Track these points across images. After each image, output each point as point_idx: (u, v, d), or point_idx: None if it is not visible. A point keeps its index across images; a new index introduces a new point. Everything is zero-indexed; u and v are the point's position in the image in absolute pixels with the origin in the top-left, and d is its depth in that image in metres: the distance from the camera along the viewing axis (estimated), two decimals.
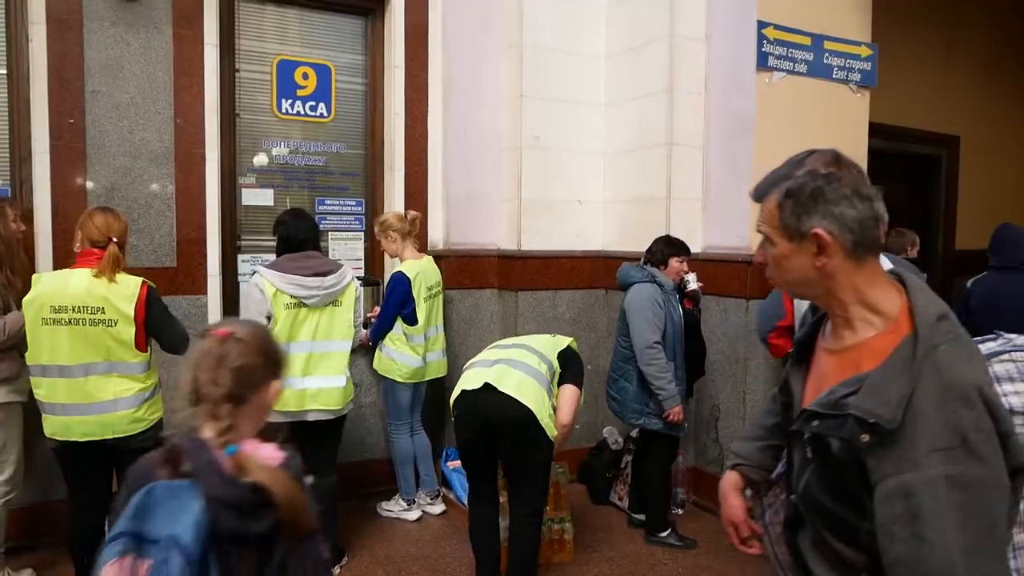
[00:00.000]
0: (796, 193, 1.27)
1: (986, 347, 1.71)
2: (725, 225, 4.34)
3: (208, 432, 1.38)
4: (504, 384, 2.86)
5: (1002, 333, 1.76)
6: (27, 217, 3.71)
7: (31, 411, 3.07)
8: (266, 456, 1.40)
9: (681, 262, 3.89)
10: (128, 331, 2.87)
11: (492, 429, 2.89)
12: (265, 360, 1.50)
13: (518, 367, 2.93)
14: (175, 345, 3.00)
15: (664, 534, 3.96)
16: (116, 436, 2.89)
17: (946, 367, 1.14)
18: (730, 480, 1.74)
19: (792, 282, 1.35)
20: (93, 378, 2.86)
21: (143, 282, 2.93)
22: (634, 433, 4.45)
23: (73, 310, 2.80)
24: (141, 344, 2.93)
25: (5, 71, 3.75)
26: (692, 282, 3.98)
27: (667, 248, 3.91)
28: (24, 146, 3.75)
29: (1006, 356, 1.63)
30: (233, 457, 1.34)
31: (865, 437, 1.17)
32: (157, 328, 2.95)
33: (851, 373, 1.25)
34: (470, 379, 2.93)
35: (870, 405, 1.16)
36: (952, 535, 1.09)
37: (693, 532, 4.06)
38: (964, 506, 1.09)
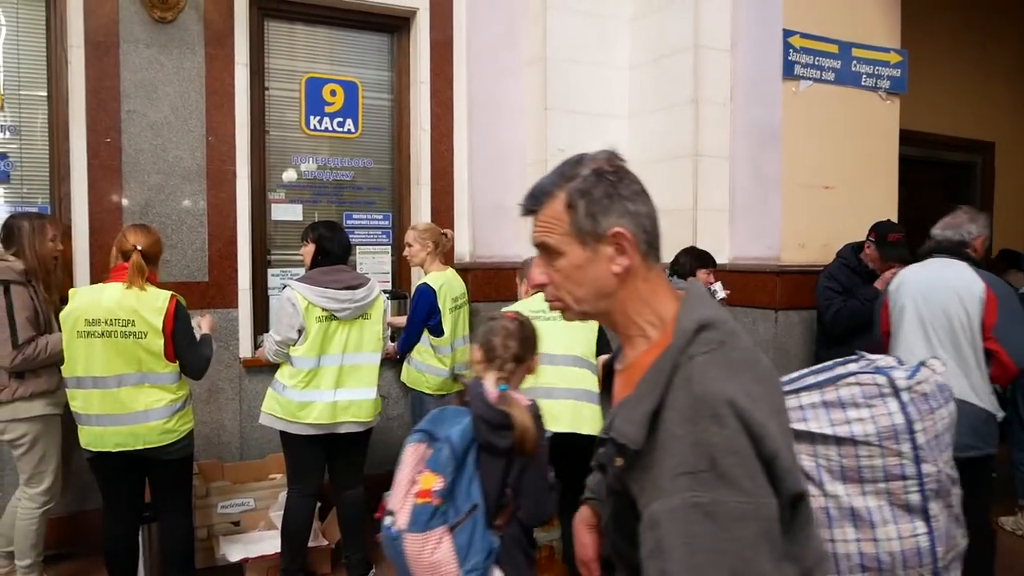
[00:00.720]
0: (589, 192, 1.13)
1: (837, 370, 1.56)
2: (753, 236, 4.30)
3: (488, 380, 2.10)
4: (584, 427, 3.05)
5: (865, 354, 1.62)
6: (66, 234, 3.83)
7: (68, 423, 3.15)
8: (519, 399, 2.06)
9: (708, 274, 3.86)
10: (157, 343, 2.94)
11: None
12: (536, 338, 2.21)
13: (583, 398, 3.10)
14: (193, 365, 3.07)
15: None
16: (148, 446, 2.95)
17: (698, 380, 0.99)
18: (581, 515, 1.52)
19: (584, 297, 1.16)
20: (126, 389, 2.92)
21: (171, 295, 3.00)
22: None
23: (106, 323, 2.88)
24: (170, 355, 2.99)
25: (46, 93, 3.88)
26: (719, 291, 3.94)
27: (695, 260, 3.88)
28: (63, 165, 3.87)
29: (852, 379, 1.47)
30: (501, 394, 2.04)
31: (619, 460, 1.05)
32: (180, 343, 3.01)
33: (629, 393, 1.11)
34: (553, 418, 2.93)
35: (620, 425, 1.04)
36: (699, 572, 0.93)
37: None
38: (714, 539, 0.93)
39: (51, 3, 3.85)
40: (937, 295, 3.00)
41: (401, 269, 4.69)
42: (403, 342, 3.98)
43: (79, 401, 2.94)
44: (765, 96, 4.20)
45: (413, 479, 1.93)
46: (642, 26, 4.79)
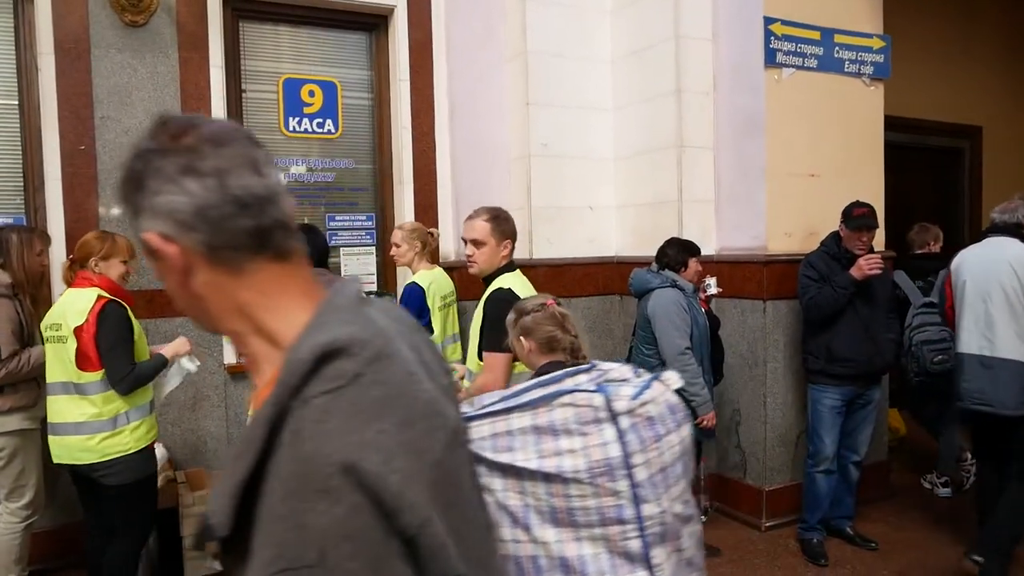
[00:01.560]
0: (123, 184, 0.86)
1: (563, 384, 1.27)
2: (739, 226, 4.27)
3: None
4: None
5: (598, 364, 1.39)
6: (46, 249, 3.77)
7: None
8: None
9: (698, 263, 3.82)
10: (71, 348, 2.79)
11: None
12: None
13: None
14: (112, 375, 2.80)
15: None
16: (74, 463, 2.86)
17: (309, 435, 0.71)
18: None
19: (185, 310, 0.90)
20: (61, 398, 2.87)
21: (99, 296, 2.82)
22: None
23: (50, 328, 2.88)
24: (91, 363, 2.80)
25: (17, 102, 3.81)
26: (712, 287, 3.91)
27: (685, 251, 3.84)
28: (37, 175, 3.81)
29: (568, 399, 1.17)
30: None
31: (210, 546, 0.77)
32: (100, 348, 2.79)
33: None
34: None
35: (212, 498, 0.77)
36: None
37: (716, 540, 3.98)
38: None
39: (18, 9, 3.78)
40: (993, 268, 3.42)
41: (386, 269, 4.65)
42: None
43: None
44: (748, 85, 4.17)
45: None
46: (623, 17, 4.74)
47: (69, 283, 2.91)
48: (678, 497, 1.19)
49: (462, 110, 4.63)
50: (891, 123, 4.58)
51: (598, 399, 1.13)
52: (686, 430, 1.22)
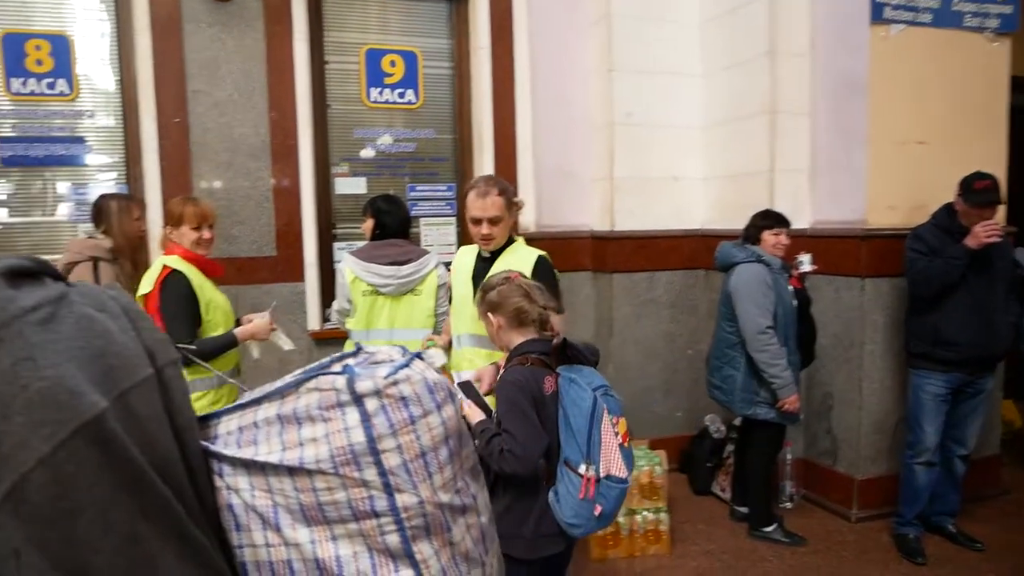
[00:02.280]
0: None
1: (302, 374, 1.07)
2: (837, 198, 3.98)
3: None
4: None
5: (365, 348, 1.18)
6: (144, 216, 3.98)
7: None
8: None
9: (776, 235, 3.58)
10: None
11: None
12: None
13: None
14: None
15: (769, 529, 3.71)
16: None
17: None
18: None
19: None
20: None
21: (164, 265, 2.82)
22: (737, 421, 4.20)
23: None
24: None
25: (118, 77, 4.01)
26: (806, 264, 3.65)
27: (760, 221, 3.63)
28: (136, 147, 4.00)
29: (313, 383, 1.02)
30: None
31: None
32: (162, 318, 2.76)
33: None
34: None
35: None
36: None
37: (801, 528, 3.79)
38: None
39: None
40: None
41: (465, 240, 4.63)
42: None
43: None
44: (850, 44, 3.84)
45: (612, 430, 1.96)
46: None
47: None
48: (444, 485, 1.02)
49: (543, 78, 4.52)
50: (1017, 84, 4.12)
51: (341, 381, 0.96)
52: (450, 410, 1.02)
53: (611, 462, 1.92)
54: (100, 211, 3.40)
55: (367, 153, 4.47)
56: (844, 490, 3.97)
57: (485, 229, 2.67)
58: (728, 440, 4.25)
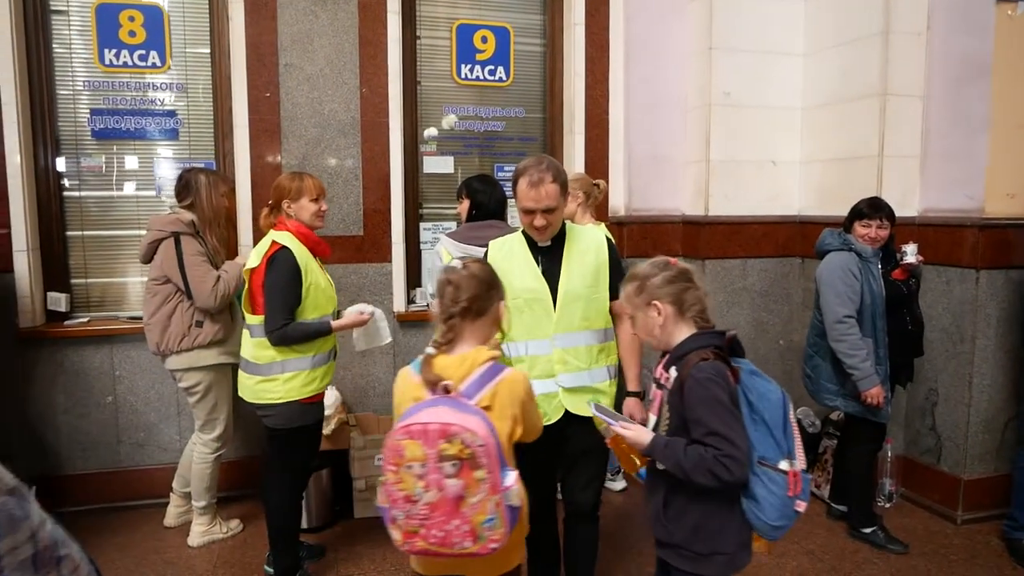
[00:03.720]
0: None
1: None
2: (949, 185, 3.79)
3: None
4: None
5: None
6: (232, 190, 3.92)
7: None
8: None
9: (866, 226, 3.40)
10: (246, 287, 2.86)
11: None
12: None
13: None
14: (264, 326, 2.76)
15: (869, 530, 3.57)
16: (244, 398, 2.93)
17: None
18: None
19: None
20: (244, 333, 2.93)
21: (274, 241, 2.80)
22: (834, 416, 4.06)
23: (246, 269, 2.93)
24: (256, 306, 2.82)
25: (209, 50, 3.95)
26: (910, 254, 3.47)
27: (853, 210, 3.47)
28: (226, 122, 3.94)
29: None
30: None
31: None
32: (264, 295, 2.77)
33: None
34: None
35: None
36: None
37: (902, 528, 3.65)
38: None
39: None
40: None
41: None
42: None
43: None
44: (973, 23, 3.64)
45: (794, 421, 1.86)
46: None
47: (267, 229, 2.93)
48: None
49: (638, 56, 4.37)
50: None
51: None
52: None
53: (802, 454, 1.81)
54: (187, 184, 3.36)
55: (456, 131, 4.35)
56: (948, 490, 3.81)
57: (539, 220, 2.36)
58: (824, 435, 4.11)
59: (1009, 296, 3.66)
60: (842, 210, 3.64)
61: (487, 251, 2.59)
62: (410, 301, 4.18)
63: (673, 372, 1.86)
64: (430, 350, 1.88)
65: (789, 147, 4.44)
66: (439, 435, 1.66)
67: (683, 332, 1.89)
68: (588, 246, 2.50)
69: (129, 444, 3.88)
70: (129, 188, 3.93)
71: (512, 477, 1.75)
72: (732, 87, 4.28)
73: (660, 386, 1.93)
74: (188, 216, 3.31)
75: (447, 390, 1.77)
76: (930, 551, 3.51)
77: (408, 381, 1.89)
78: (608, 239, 2.60)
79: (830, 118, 4.26)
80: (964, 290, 3.69)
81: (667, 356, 1.92)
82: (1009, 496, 3.58)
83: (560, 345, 2.44)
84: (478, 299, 1.88)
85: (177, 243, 3.23)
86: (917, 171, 3.94)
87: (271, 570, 3.06)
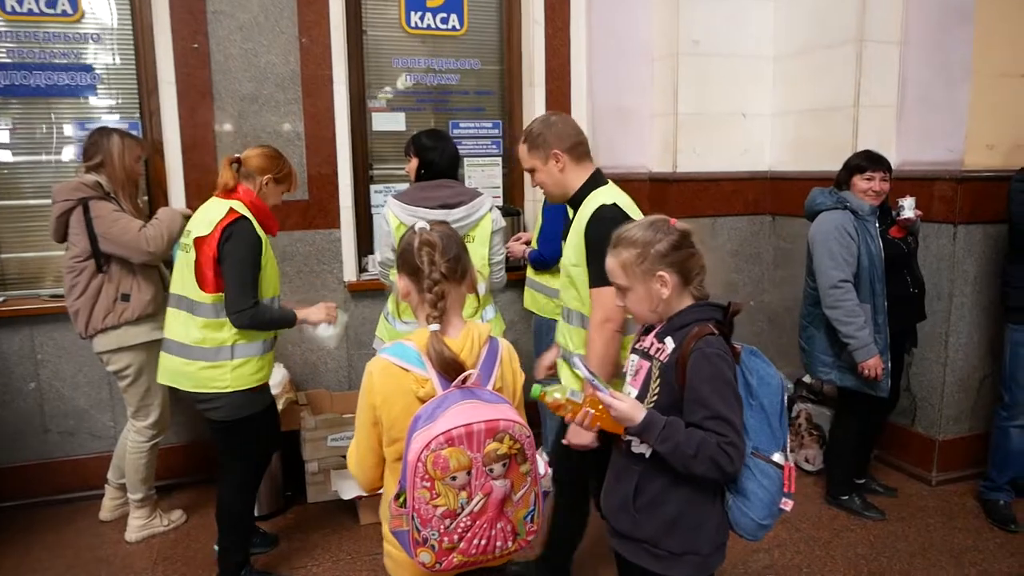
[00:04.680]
0: None
1: None
2: (928, 136, 3.62)
3: None
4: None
5: None
6: (158, 152, 3.57)
7: None
8: None
9: (868, 179, 3.20)
10: (191, 259, 2.51)
11: None
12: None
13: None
14: (229, 302, 2.48)
15: (846, 497, 3.47)
16: (174, 386, 2.64)
17: None
18: None
19: None
20: (175, 311, 2.62)
21: (231, 209, 2.51)
22: (806, 378, 3.92)
23: (185, 234, 2.64)
24: (204, 282, 2.51)
25: None
26: (908, 209, 3.25)
27: (850, 164, 3.26)
28: (150, 77, 3.56)
29: None
30: None
31: None
32: (223, 269, 2.48)
33: None
34: None
35: None
36: None
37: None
38: None
39: None
40: None
41: (514, 182, 4.25)
42: (539, 256, 3.52)
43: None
44: None
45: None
46: None
47: (220, 186, 2.59)
48: None
49: (602, 2, 4.08)
50: None
51: None
52: None
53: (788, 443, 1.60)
54: (95, 143, 3.00)
55: (406, 85, 4.03)
56: (923, 452, 3.73)
57: (532, 181, 2.46)
58: (798, 398, 3.98)
59: (987, 251, 3.54)
60: (814, 165, 3.47)
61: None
62: (362, 269, 3.90)
63: (670, 343, 1.59)
64: (434, 327, 1.51)
65: (760, 99, 4.23)
66: (487, 435, 1.39)
67: (685, 301, 1.63)
68: (581, 217, 2.32)
69: (58, 433, 3.56)
70: (45, 153, 3.54)
71: (543, 463, 1.55)
72: (701, 35, 4.04)
73: (647, 356, 1.65)
74: (91, 178, 2.96)
75: (465, 380, 1.47)
76: (907, 515, 3.42)
77: (397, 373, 1.51)
78: (593, 217, 2.27)
79: (804, 67, 4.05)
80: (941, 246, 3.55)
81: (660, 325, 1.65)
82: (982, 456, 3.51)
83: (577, 324, 2.41)
84: (460, 258, 1.58)
85: (86, 210, 2.90)
86: (893, 122, 3.76)
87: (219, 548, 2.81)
